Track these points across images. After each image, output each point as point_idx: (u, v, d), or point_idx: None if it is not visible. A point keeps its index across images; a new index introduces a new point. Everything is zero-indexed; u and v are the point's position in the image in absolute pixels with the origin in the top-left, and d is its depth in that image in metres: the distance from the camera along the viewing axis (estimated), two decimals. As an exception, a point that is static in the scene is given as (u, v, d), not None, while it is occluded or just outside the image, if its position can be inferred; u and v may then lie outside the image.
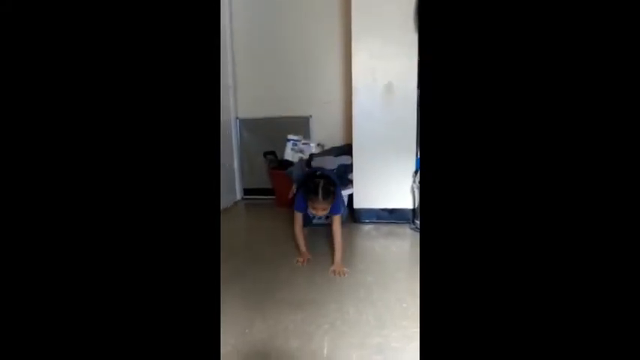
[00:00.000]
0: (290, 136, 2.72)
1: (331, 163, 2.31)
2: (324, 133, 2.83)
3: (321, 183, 1.57)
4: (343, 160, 2.33)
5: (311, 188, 1.57)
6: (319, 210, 1.58)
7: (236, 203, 2.90)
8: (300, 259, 1.70)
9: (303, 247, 1.73)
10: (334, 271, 1.57)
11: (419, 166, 2.10)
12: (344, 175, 2.29)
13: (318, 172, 1.70)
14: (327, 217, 1.73)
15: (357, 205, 2.24)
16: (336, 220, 1.67)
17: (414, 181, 2.12)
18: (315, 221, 1.89)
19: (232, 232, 2.28)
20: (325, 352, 1.06)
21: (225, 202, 2.73)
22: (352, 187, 2.23)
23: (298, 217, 1.71)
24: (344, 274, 1.55)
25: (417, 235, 2.02)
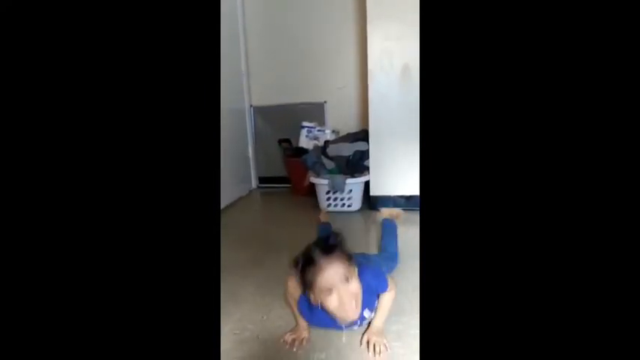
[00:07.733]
0: (304, 123, 2.69)
1: (347, 150, 2.28)
2: (339, 119, 2.78)
3: (313, 246, 0.97)
4: (359, 146, 2.29)
5: (303, 260, 0.97)
6: (343, 291, 0.91)
7: (251, 192, 2.91)
8: (290, 337, 1.04)
9: (300, 318, 1.08)
10: (368, 341, 1.00)
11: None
12: (360, 162, 2.26)
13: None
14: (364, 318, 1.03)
15: (373, 192, 2.21)
16: (387, 294, 1.04)
17: (431, 167, 2.08)
18: (346, 329, 1.05)
19: (248, 220, 2.29)
20: (344, 338, 1.06)
21: (240, 190, 2.74)
22: (368, 173, 2.20)
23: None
24: (380, 348, 0.97)
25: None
